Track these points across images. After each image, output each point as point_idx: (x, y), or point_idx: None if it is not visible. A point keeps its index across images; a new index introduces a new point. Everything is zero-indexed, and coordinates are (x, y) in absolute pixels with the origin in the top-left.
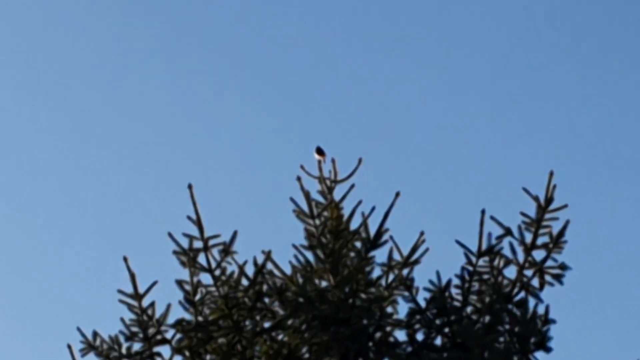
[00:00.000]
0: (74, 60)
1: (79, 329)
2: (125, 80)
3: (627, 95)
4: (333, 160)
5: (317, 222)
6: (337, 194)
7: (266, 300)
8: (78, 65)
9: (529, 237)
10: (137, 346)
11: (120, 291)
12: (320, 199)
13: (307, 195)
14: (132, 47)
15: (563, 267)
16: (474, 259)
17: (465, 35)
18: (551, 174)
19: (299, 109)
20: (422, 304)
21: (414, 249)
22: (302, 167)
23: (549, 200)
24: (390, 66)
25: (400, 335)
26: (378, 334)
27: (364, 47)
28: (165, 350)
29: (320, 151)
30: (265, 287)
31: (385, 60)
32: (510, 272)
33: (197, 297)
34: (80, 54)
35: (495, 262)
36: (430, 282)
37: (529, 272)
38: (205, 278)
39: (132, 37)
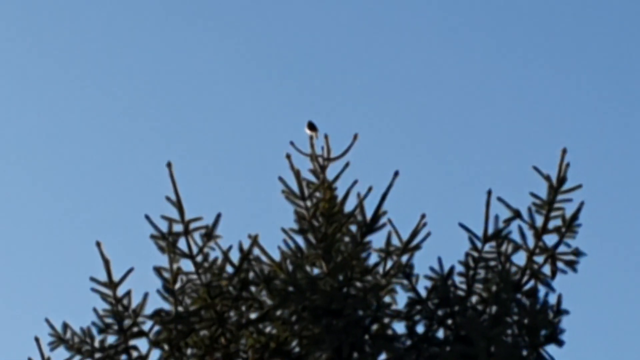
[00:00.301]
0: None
1: (47, 321)
2: (100, 54)
3: None
4: (326, 136)
5: (309, 203)
6: (330, 173)
7: (252, 289)
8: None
9: (539, 220)
10: (111, 339)
11: (93, 279)
12: (312, 178)
13: (297, 174)
14: (111, 26)
15: (577, 253)
16: (479, 244)
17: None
18: (564, 151)
19: (289, 80)
20: (423, 293)
21: (414, 234)
22: (291, 143)
23: (562, 179)
24: (388, 32)
25: (399, 327)
26: (374, 326)
27: (358, 15)
28: (142, 343)
29: (311, 126)
30: (251, 275)
31: (384, 27)
32: (519, 258)
33: (177, 285)
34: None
35: (503, 248)
36: (432, 269)
37: (539, 259)
38: (186, 265)
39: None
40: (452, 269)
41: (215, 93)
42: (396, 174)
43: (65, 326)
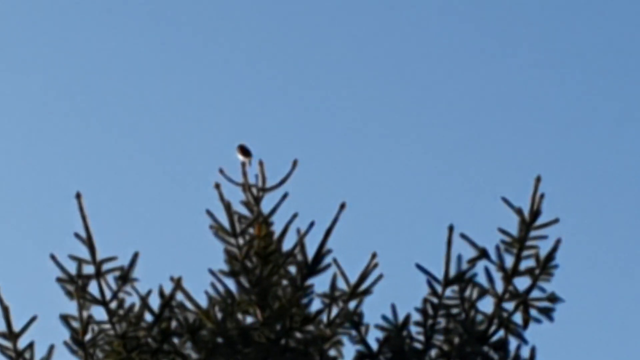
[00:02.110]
0: None
1: None
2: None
3: (629, 93)
4: (260, 163)
5: (241, 241)
6: (265, 206)
7: (175, 340)
8: None
9: (509, 261)
10: None
11: None
12: (245, 211)
13: (227, 206)
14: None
15: (553, 298)
16: (439, 289)
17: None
18: (538, 179)
19: (220, 99)
20: (374, 346)
21: (363, 276)
22: (221, 171)
23: (536, 213)
24: (328, 49)
25: None
26: None
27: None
28: None
29: (244, 150)
30: (174, 324)
31: (322, 40)
32: (486, 305)
33: (88, 336)
34: None
35: (467, 293)
36: (384, 318)
37: (509, 305)
38: (98, 312)
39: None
40: (407, 317)
41: (133, 114)
42: (342, 206)
43: None
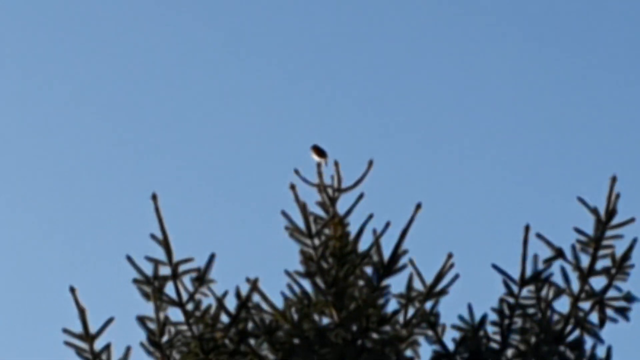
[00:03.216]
0: None
1: None
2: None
3: None
4: (336, 163)
5: (316, 241)
6: (341, 206)
7: (252, 341)
8: None
9: (585, 260)
10: None
11: (66, 330)
12: (320, 212)
13: (303, 207)
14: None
15: (629, 297)
16: (515, 289)
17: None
18: (614, 179)
19: (294, 99)
20: (450, 346)
21: (439, 276)
22: (296, 171)
23: (611, 212)
24: (407, 50)
25: None
26: None
27: (377, 27)
28: None
29: (319, 151)
30: (250, 325)
31: (403, 43)
32: (562, 304)
33: (165, 338)
34: None
35: (543, 292)
36: (461, 318)
37: (585, 305)
38: (175, 314)
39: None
40: (484, 317)
41: (208, 116)
42: (418, 206)
43: None
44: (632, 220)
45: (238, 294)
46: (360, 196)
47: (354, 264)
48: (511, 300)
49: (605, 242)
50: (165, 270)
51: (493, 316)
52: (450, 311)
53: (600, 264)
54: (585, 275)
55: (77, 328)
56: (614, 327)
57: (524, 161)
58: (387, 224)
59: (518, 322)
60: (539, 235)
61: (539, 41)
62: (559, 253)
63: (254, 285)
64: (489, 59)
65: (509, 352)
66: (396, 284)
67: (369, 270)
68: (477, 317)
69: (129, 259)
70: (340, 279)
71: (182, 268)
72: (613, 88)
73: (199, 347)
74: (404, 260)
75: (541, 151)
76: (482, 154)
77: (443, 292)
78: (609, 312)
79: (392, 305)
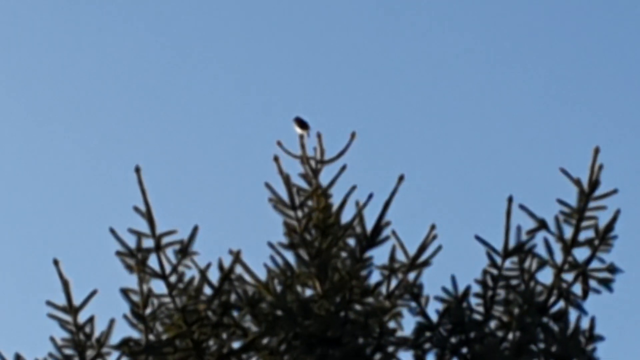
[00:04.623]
0: None
1: None
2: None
3: None
4: (318, 135)
5: (300, 213)
6: (324, 178)
7: (235, 313)
8: None
9: (568, 232)
10: None
11: (49, 303)
12: (303, 184)
13: (286, 179)
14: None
15: (612, 269)
16: (498, 260)
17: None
18: (596, 150)
19: (276, 71)
20: (434, 317)
21: (422, 248)
22: (279, 143)
23: (594, 184)
24: (389, 24)
25: (406, 357)
26: (377, 356)
27: (356, 5)
28: None
29: (301, 123)
30: (233, 297)
31: (384, 18)
32: (546, 276)
33: (148, 310)
34: None
35: (526, 264)
36: (444, 289)
37: (569, 276)
38: (158, 286)
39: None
40: (467, 289)
41: (189, 89)
42: (401, 178)
43: (18, 358)
44: (615, 191)
45: (221, 266)
46: (343, 168)
47: (337, 236)
48: (494, 271)
49: (588, 214)
50: (148, 243)
51: (476, 288)
52: (433, 283)
53: (583, 235)
54: (568, 246)
55: (61, 300)
56: (597, 298)
57: (506, 132)
58: (370, 196)
59: (501, 293)
60: (522, 207)
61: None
62: (542, 224)
63: (236, 257)
64: (467, 32)
65: (492, 324)
66: (379, 255)
67: (352, 241)
68: (461, 288)
69: (112, 231)
70: (323, 250)
71: (165, 240)
72: (597, 59)
73: (182, 319)
74: (386, 231)
75: (523, 122)
76: (464, 125)
77: (426, 263)
78: (593, 283)
79: (375, 277)
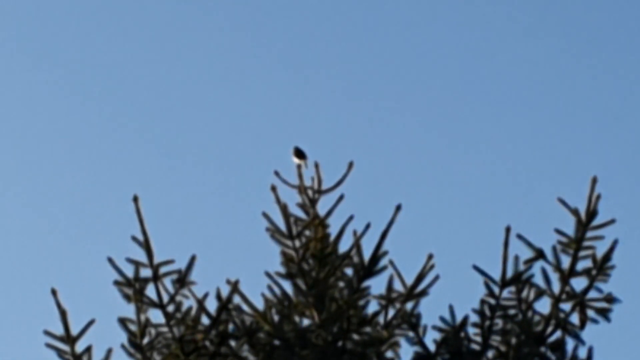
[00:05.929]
0: None
1: None
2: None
3: None
4: (316, 165)
5: (297, 243)
6: (321, 208)
7: (232, 343)
8: None
9: (566, 261)
10: None
11: (47, 332)
12: (301, 213)
13: (283, 209)
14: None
15: (610, 299)
16: (496, 290)
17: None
18: (594, 180)
19: (275, 101)
20: (431, 347)
21: (420, 277)
22: (276, 173)
23: (592, 213)
24: (387, 52)
25: None
26: None
27: (360, 29)
28: None
29: (299, 153)
30: (231, 327)
31: (384, 42)
32: (543, 305)
33: (146, 339)
34: None
35: (524, 294)
36: (442, 319)
37: (566, 306)
38: (156, 315)
39: None
40: (465, 318)
41: (189, 119)
42: (398, 207)
43: None
44: (612, 221)
45: (219, 296)
46: (341, 197)
47: (335, 266)
48: (492, 301)
49: (586, 243)
50: (146, 272)
51: (474, 317)
52: (431, 312)
53: (581, 265)
54: (566, 276)
55: (59, 330)
56: (595, 328)
57: (504, 162)
58: (368, 225)
59: (499, 323)
60: (519, 236)
61: (522, 40)
62: (540, 254)
63: (234, 287)
64: (468, 59)
65: (490, 353)
66: (377, 285)
67: (349, 271)
68: (458, 318)
69: (110, 260)
70: (320, 280)
71: (163, 270)
72: (595, 90)
73: (179, 348)
74: (384, 261)
75: (522, 152)
76: (462, 155)
77: (424, 293)
78: (590, 313)
79: (373, 307)
